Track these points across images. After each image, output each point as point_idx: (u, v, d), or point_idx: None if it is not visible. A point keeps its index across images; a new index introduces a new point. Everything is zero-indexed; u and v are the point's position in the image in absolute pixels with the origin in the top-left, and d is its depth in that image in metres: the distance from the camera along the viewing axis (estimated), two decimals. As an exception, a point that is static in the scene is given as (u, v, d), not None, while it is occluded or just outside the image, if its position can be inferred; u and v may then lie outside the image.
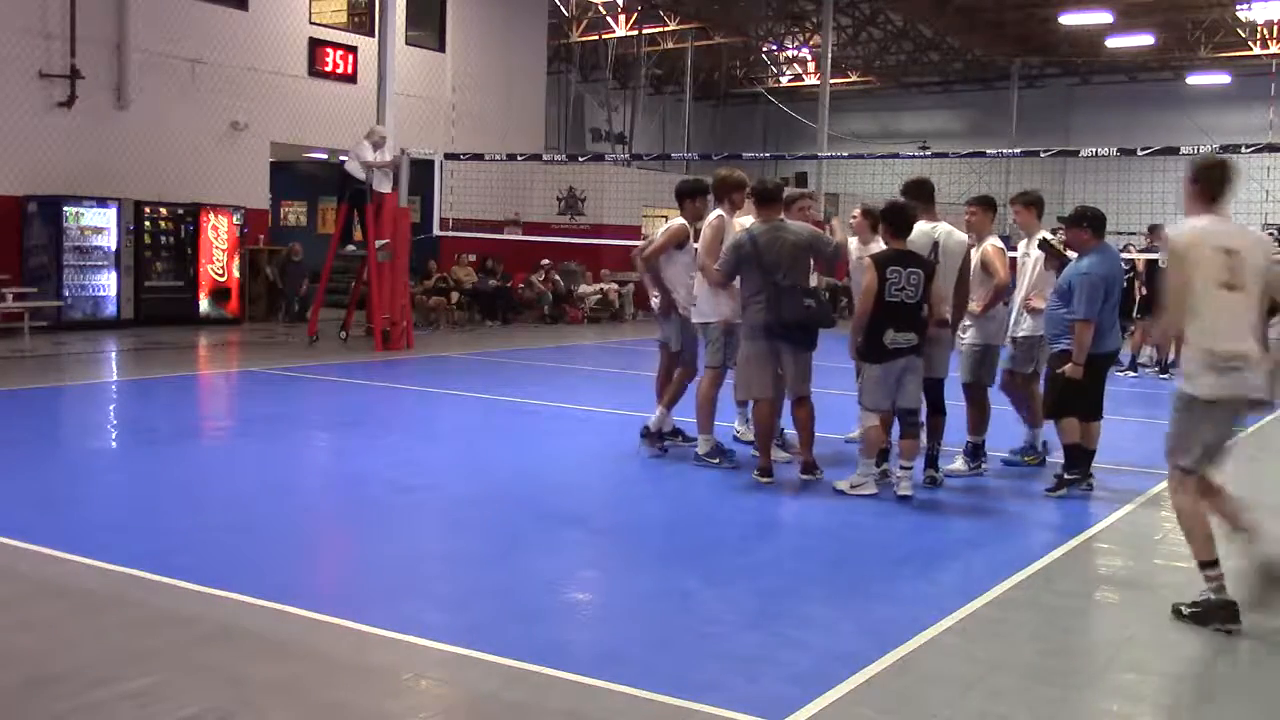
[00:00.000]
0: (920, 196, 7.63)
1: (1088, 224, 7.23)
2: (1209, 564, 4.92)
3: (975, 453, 7.99)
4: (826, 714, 3.86)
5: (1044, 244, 8.02)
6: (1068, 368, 7.16)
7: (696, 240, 8.04)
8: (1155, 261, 14.14)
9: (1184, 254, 4.95)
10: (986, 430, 8.01)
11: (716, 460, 7.84)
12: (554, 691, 4.00)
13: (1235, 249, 4.98)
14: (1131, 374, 14.40)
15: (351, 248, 18.56)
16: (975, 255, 7.77)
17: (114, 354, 13.90)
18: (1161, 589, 5.61)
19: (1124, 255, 14.08)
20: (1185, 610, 4.94)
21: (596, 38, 29.23)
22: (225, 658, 4.23)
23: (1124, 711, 4.12)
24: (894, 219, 7.15)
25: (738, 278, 7.51)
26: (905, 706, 4.02)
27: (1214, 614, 4.85)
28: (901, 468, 7.10)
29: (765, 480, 7.38)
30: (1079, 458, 7.35)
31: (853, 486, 7.13)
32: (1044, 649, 4.70)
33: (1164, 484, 7.75)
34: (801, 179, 28.59)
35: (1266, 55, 27.13)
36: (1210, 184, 5.07)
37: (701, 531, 6.43)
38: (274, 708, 3.84)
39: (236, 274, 17.85)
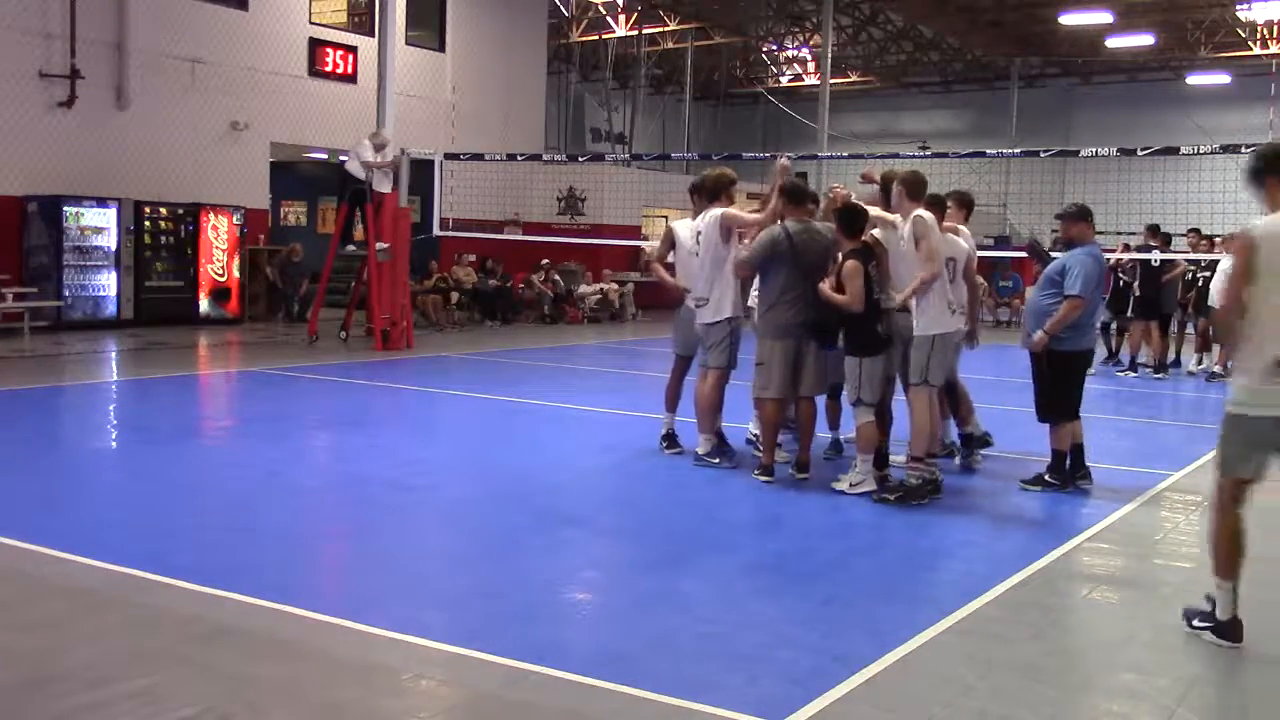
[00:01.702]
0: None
1: (1090, 219, 7.53)
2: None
3: (968, 442, 8.08)
4: (826, 714, 3.87)
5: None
6: (1036, 336, 7.27)
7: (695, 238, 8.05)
8: (1148, 262, 14.15)
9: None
10: (973, 418, 8.06)
11: (716, 460, 7.83)
12: (554, 691, 4.00)
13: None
14: (1131, 374, 14.41)
15: (351, 248, 18.58)
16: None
17: (114, 354, 13.89)
18: (1161, 589, 5.62)
19: (1118, 255, 14.12)
20: (891, 498, 6.97)
21: (596, 38, 29.21)
22: (225, 658, 4.23)
23: (1124, 711, 4.12)
24: (850, 223, 7.17)
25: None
26: (905, 706, 4.02)
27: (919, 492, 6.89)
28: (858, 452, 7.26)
29: (767, 480, 7.39)
30: (1063, 464, 7.44)
31: (852, 485, 7.14)
32: (1044, 649, 4.70)
33: (1163, 483, 7.85)
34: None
35: (1266, 55, 27.10)
36: (915, 187, 7.18)
37: (701, 531, 6.43)
38: (274, 708, 3.84)
39: (236, 274, 17.85)
